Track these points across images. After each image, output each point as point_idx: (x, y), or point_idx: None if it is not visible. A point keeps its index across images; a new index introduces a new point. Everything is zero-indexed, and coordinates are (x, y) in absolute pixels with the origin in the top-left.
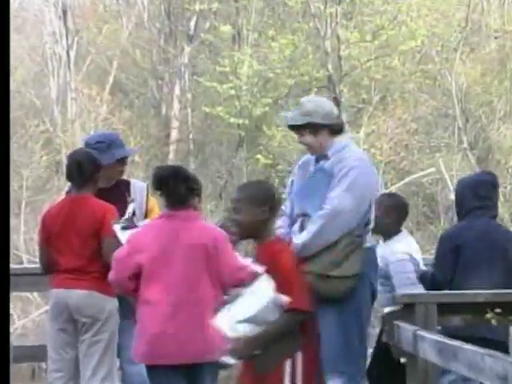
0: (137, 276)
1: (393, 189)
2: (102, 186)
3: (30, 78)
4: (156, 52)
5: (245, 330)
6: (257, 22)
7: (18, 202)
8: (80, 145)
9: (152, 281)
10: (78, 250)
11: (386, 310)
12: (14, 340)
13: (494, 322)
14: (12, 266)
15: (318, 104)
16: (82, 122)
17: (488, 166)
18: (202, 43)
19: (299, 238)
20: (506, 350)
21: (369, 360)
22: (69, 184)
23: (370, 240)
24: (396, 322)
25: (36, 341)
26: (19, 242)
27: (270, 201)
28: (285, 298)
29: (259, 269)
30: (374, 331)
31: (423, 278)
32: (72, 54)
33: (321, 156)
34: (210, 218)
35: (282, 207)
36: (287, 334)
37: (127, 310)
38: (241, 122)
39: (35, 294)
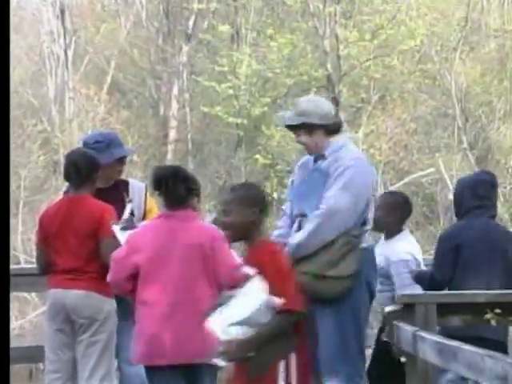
0: (134, 277)
1: (392, 189)
2: (100, 186)
3: (28, 77)
4: (154, 51)
5: (237, 332)
6: (255, 22)
7: (16, 202)
8: (78, 144)
9: (149, 281)
10: (75, 251)
11: (387, 309)
12: (12, 341)
13: (493, 322)
14: (10, 266)
15: (313, 104)
16: (79, 122)
17: (488, 166)
18: (201, 42)
19: (295, 238)
20: (505, 351)
21: (368, 360)
22: (67, 184)
23: (369, 239)
24: (396, 322)
25: (33, 341)
26: (17, 242)
27: (261, 202)
28: (277, 300)
29: (250, 271)
30: (372, 332)
31: (421, 278)
32: (70, 53)
33: (319, 156)
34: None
35: (283, 207)
36: (280, 335)
37: (126, 311)
38: (239, 121)
39: (33, 294)
